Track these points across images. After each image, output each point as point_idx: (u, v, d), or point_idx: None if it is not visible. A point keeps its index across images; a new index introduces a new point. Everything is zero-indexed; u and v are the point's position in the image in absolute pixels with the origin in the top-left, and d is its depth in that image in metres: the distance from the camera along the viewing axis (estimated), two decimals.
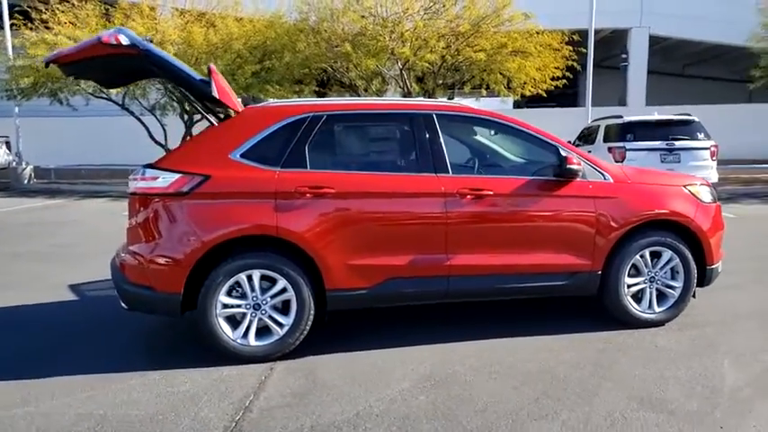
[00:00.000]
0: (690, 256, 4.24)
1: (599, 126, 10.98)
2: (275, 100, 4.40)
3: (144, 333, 4.46)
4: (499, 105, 20.53)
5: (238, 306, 3.73)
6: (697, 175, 5.04)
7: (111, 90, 15.33)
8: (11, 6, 18.76)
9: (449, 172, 3.94)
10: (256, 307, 3.75)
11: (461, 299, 4.12)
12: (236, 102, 3.94)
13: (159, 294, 3.66)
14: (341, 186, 3.77)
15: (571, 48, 15.99)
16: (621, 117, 10.42)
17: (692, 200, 4.29)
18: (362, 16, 14.48)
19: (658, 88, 23.32)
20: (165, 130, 17.95)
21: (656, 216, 4.15)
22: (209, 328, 3.67)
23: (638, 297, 4.27)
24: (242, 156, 3.76)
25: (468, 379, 3.49)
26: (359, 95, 17.41)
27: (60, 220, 10.97)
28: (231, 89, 3.96)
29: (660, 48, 23.94)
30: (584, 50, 16.14)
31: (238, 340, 3.73)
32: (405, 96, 16.21)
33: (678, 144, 9.56)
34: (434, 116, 4.03)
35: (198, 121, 17.88)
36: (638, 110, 16.64)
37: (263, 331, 3.80)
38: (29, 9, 16.41)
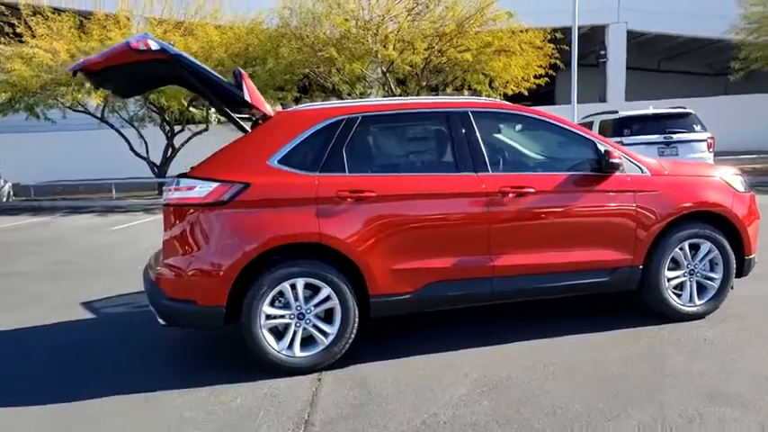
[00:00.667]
0: (728, 246, 4.23)
1: (593, 122, 11.05)
2: (307, 104, 4.27)
3: (175, 348, 4.30)
4: None
5: (282, 316, 3.60)
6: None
7: (92, 102, 14.98)
8: None
9: (488, 170, 3.86)
10: (300, 316, 3.62)
11: (505, 300, 4.03)
12: (267, 106, 3.81)
13: (202, 308, 3.51)
14: (381, 189, 3.67)
15: (553, 46, 16.11)
16: (617, 112, 10.51)
17: (729, 190, 4.28)
18: (345, 19, 14.38)
19: (635, 83, 23.64)
20: (146, 142, 17.61)
21: (695, 207, 4.13)
22: (254, 339, 3.53)
23: (678, 290, 4.24)
24: (279, 162, 3.63)
25: (524, 381, 3.41)
26: (342, 99, 17.32)
27: (51, 237, 10.63)
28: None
29: (636, 43, 24.30)
30: (566, 48, 16.24)
31: (283, 352, 3.60)
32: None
33: (675, 137, 9.67)
34: (470, 113, 3.96)
35: (179, 132, 17.59)
36: (618, 106, 16.81)
37: (307, 341, 3.67)
38: (1, 24, 15.98)
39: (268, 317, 3.56)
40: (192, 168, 3.69)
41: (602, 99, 22.85)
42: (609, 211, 4.01)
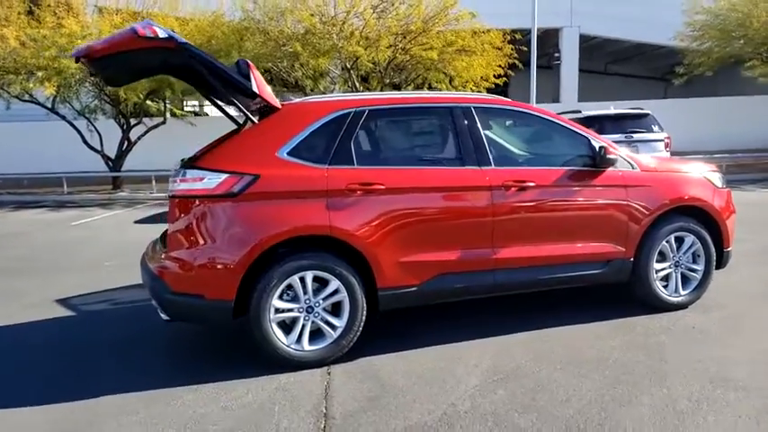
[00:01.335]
0: (710, 240, 4.45)
1: None
2: (313, 96, 4.22)
3: (169, 345, 4.19)
4: None
5: (290, 310, 3.56)
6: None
7: (45, 92, 14.31)
8: None
9: (491, 164, 3.93)
10: (309, 310, 3.59)
11: (506, 292, 4.11)
12: (274, 98, 3.75)
13: (210, 302, 3.43)
14: (390, 182, 3.68)
15: (512, 46, 16.45)
16: (580, 112, 10.83)
17: (710, 186, 4.51)
18: (311, 15, 14.26)
19: (583, 85, 24.42)
20: (99, 135, 16.97)
21: (681, 202, 4.32)
22: (263, 334, 3.48)
23: (664, 281, 4.43)
24: (289, 154, 3.59)
25: (533, 371, 3.49)
26: (306, 95, 17.18)
27: (5, 232, 10.12)
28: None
29: (585, 47, 25.06)
30: (524, 49, 16.62)
31: (292, 346, 3.56)
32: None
33: (636, 137, 10.05)
34: (473, 108, 4.02)
35: (135, 124, 17.04)
36: (571, 106, 17.34)
37: (314, 335, 3.65)
38: None
39: (277, 310, 3.52)
40: (189, 159, 3.61)
41: (556, 100, 23.49)
42: (603, 205, 4.16)
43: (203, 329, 4.35)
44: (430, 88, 16.66)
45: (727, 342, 3.81)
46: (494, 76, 16.24)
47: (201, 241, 3.44)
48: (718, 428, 2.76)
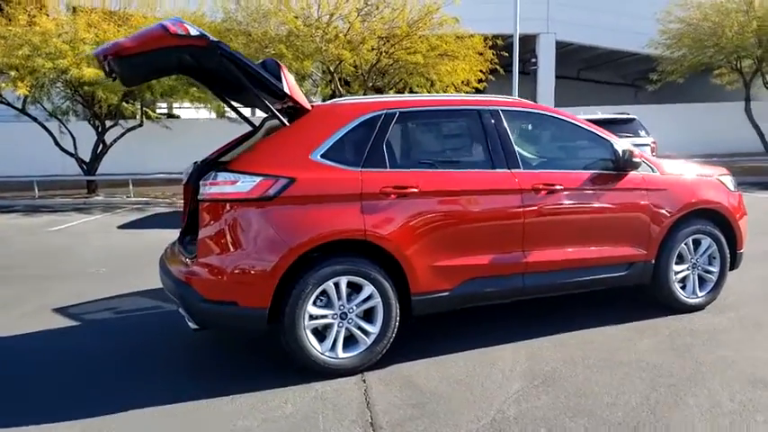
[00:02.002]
0: (724, 242, 4.52)
1: None
2: (342, 98, 4.13)
3: (190, 354, 4.05)
4: None
5: (324, 316, 3.48)
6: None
7: (17, 92, 13.79)
8: None
9: (520, 167, 3.92)
10: (343, 316, 3.51)
11: (534, 296, 4.10)
12: (305, 99, 3.67)
13: (244, 310, 3.32)
14: (423, 185, 3.63)
15: (493, 52, 16.59)
16: None
17: (724, 189, 4.58)
18: (295, 17, 14.12)
19: (558, 91, 24.79)
20: (73, 137, 16.44)
21: (699, 205, 4.39)
22: (298, 342, 3.38)
23: (682, 283, 4.48)
24: (322, 156, 3.50)
25: (571, 374, 3.47)
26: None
27: None
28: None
29: (560, 53, 25.45)
30: (505, 54, 16.78)
31: (326, 353, 3.47)
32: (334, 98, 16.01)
33: None
34: (500, 111, 4.00)
35: (111, 127, 16.58)
36: None
37: (348, 342, 3.56)
38: None
39: (311, 317, 3.43)
40: (205, 161, 3.49)
41: None
42: (627, 207, 4.19)
43: (222, 337, 4.22)
44: (411, 92, 16.68)
45: (752, 343, 3.86)
46: (476, 81, 16.35)
47: (235, 246, 3.32)
48: None
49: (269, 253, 3.29)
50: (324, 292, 3.45)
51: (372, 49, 14.68)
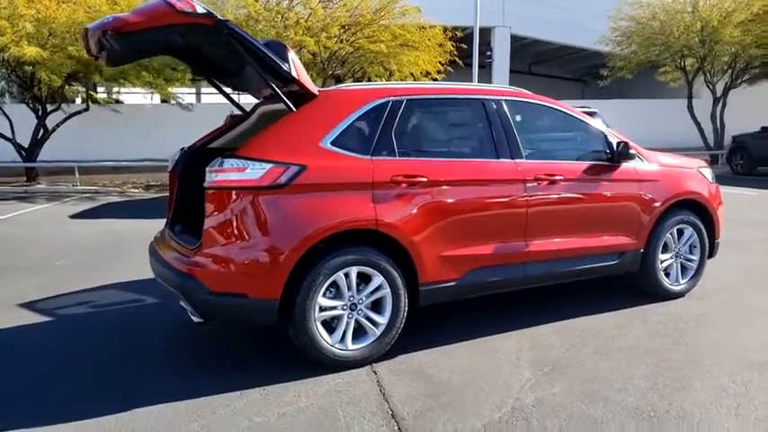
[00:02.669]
0: (704, 231, 4.71)
1: None
2: (347, 84, 4.02)
3: (185, 349, 3.88)
4: None
5: (334, 308, 3.40)
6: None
7: None
8: None
9: (522, 157, 3.95)
10: (353, 307, 3.45)
11: (535, 284, 4.15)
12: (312, 84, 3.56)
13: (253, 302, 3.21)
14: (432, 174, 3.59)
15: (453, 43, 16.70)
16: None
17: (704, 180, 4.77)
18: (255, 0, 13.77)
19: (510, 84, 25.26)
20: (10, 121, 15.50)
21: (685, 196, 4.55)
22: (308, 334, 3.30)
23: (667, 272, 4.63)
24: (332, 143, 3.41)
25: (576, 361, 3.53)
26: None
27: None
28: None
29: (512, 47, 25.90)
30: (464, 46, 16.93)
31: (336, 345, 3.40)
32: None
33: None
34: (503, 101, 4.01)
35: (52, 111, 15.71)
36: None
37: (356, 333, 3.50)
38: None
39: (322, 309, 3.34)
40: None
41: None
42: (621, 198, 4.30)
43: (219, 329, 4.07)
44: (369, 81, 16.59)
45: (738, 326, 4.05)
46: (436, 72, 16.41)
47: (245, 236, 3.19)
48: None
49: (281, 243, 3.19)
50: (333, 283, 3.38)
51: (333, 36, 14.50)
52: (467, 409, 2.98)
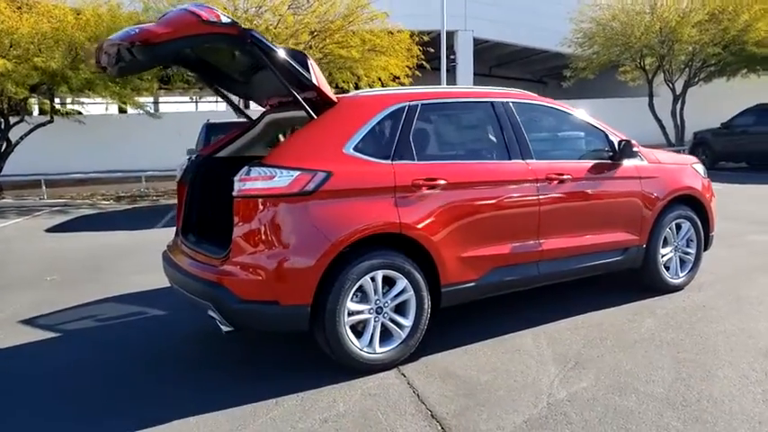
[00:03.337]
0: (700, 225, 4.89)
1: None
2: (363, 90, 4.02)
3: (207, 359, 3.81)
4: None
5: (361, 312, 3.41)
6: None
7: None
8: None
9: (533, 158, 4.04)
10: (379, 310, 3.46)
11: (546, 282, 4.23)
12: (330, 91, 3.56)
13: (285, 309, 3.19)
14: (451, 177, 3.64)
15: (420, 47, 16.85)
16: None
17: (698, 176, 4.95)
18: (224, 8, 13.61)
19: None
20: None
21: (682, 191, 4.71)
22: (338, 339, 3.30)
23: (667, 266, 4.79)
24: (354, 149, 3.43)
25: (598, 355, 3.62)
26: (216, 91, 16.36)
27: None
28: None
29: (475, 50, 26.29)
30: (431, 50, 17.12)
31: (365, 349, 3.41)
32: None
33: None
34: (511, 103, 4.10)
35: (16, 123, 15.18)
36: None
37: (383, 336, 3.52)
38: None
39: (350, 313, 3.35)
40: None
41: None
42: (624, 195, 4.43)
43: (233, 338, 4.02)
44: (337, 87, 16.58)
45: (742, 316, 4.20)
46: (404, 76, 16.52)
47: (275, 244, 3.18)
48: None
49: (311, 249, 3.18)
50: (359, 288, 3.39)
51: (302, 43, 14.45)
52: (503, 406, 3.02)
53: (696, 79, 18.77)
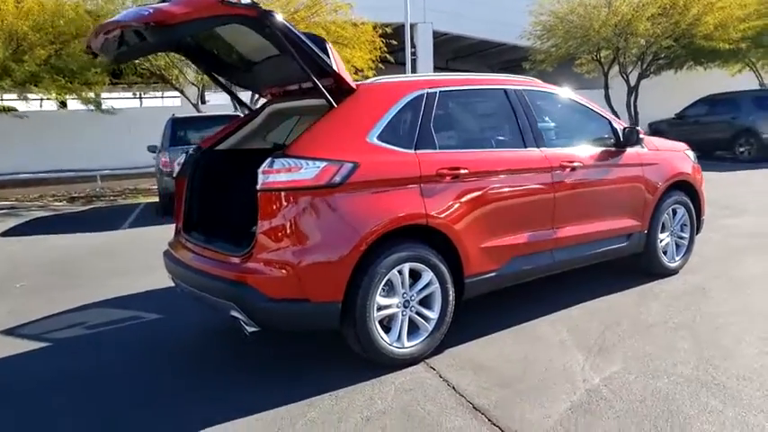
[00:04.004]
0: (693, 210, 5.01)
1: None
2: (379, 77, 3.90)
3: (225, 362, 3.65)
4: None
5: (389, 306, 3.32)
6: None
7: None
8: None
9: (546, 146, 4.03)
10: (406, 304, 3.39)
11: (560, 270, 4.23)
12: (350, 77, 3.44)
13: (316, 306, 3.07)
14: (472, 166, 3.59)
15: (383, 40, 16.77)
16: None
17: (690, 162, 5.07)
18: None
19: None
20: None
21: (679, 177, 4.82)
22: (369, 334, 3.20)
23: (664, 250, 4.89)
24: (378, 138, 3.32)
25: (617, 340, 3.64)
26: (174, 86, 15.87)
27: None
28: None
29: (434, 43, 26.40)
30: (395, 43, 17.06)
31: (394, 343, 3.33)
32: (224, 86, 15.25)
33: None
34: (524, 91, 4.09)
35: None
36: None
37: (409, 330, 3.44)
38: None
39: (379, 308, 3.26)
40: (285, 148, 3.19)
41: None
42: (628, 181, 4.49)
43: (243, 341, 3.86)
44: None
45: (742, 296, 4.32)
46: (368, 69, 16.40)
47: (304, 239, 3.04)
48: None
49: (341, 243, 3.07)
50: (387, 281, 3.30)
51: None
52: (543, 395, 3.01)
53: (648, 72, 19.37)
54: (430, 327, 3.46)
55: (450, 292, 3.52)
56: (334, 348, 3.61)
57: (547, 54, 19.68)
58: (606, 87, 19.60)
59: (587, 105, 4.48)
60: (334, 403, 3.01)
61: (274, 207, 3.05)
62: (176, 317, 4.50)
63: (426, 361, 3.46)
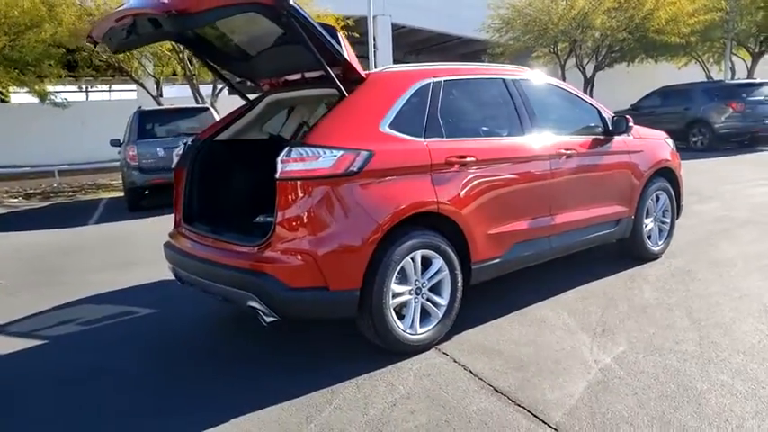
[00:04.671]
0: (674, 196, 5.22)
1: None
2: (389, 66, 3.87)
3: (238, 353, 3.59)
4: None
5: (402, 293, 3.35)
6: None
7: None
8: None
9: (543, 133, 4.12)
10: (417, 291, 3.42)
11: (556, 256, 4.33)
12: (361, 67, 3.43)
13: (335, 294, 3.06)
14: (479, 154, 3.64)
15: (346, 33, 16.68)
16: None
17: (671, 149, 5.27)
18: None
19: None
20: None
21: (662, 164, 5.00)
22: (385, 322, 3.22)
23: (649, 235, 5.07)
24: (390, 127, 3.33)
25: (619, 322, 3.75)
26: (133, 79, 15.41)
27: None
28: None
29: (392, 36, 26.42)
30: (356, 35, 17.03)
31: (408, 330, 3.36)
32: (188, 79, 14.95)
33: None
34: (521, 80, 4.16)
35: None
36: None
37: (421, 317, 3.47)
38: None
39: (393, 295, 3.28)
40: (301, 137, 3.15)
41: None
42: (617, 168, 4.63)
43: (248, 331, 3.82)
44: None
45: (726, 278, 4.51)
46: None
47: (322, 227, 3.03)
48: None
49: (360, 231, 3.07)
50: (400, 269, 3.32)
51: None
52: (559, 375, 3.08)
53: (603, 64, 19.94)
54: (440, 313, 3.50)
55: (459, 279, 3.56)
56: (343, 338, 3.61)
57: (505, 47, 20.01)
58: (563, 80, 20.06)
59: (578, 94, 4.59)
60: (356, 390, 3.01)
61: (293, 196, 3.02)
62: (169, 311, 4.41)
63: (437, 347, 3.50)
